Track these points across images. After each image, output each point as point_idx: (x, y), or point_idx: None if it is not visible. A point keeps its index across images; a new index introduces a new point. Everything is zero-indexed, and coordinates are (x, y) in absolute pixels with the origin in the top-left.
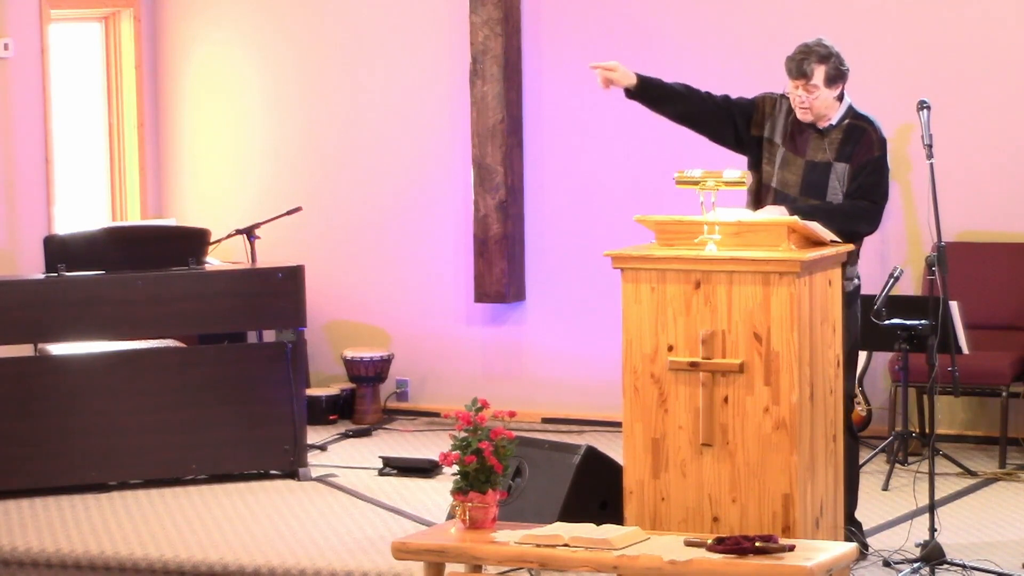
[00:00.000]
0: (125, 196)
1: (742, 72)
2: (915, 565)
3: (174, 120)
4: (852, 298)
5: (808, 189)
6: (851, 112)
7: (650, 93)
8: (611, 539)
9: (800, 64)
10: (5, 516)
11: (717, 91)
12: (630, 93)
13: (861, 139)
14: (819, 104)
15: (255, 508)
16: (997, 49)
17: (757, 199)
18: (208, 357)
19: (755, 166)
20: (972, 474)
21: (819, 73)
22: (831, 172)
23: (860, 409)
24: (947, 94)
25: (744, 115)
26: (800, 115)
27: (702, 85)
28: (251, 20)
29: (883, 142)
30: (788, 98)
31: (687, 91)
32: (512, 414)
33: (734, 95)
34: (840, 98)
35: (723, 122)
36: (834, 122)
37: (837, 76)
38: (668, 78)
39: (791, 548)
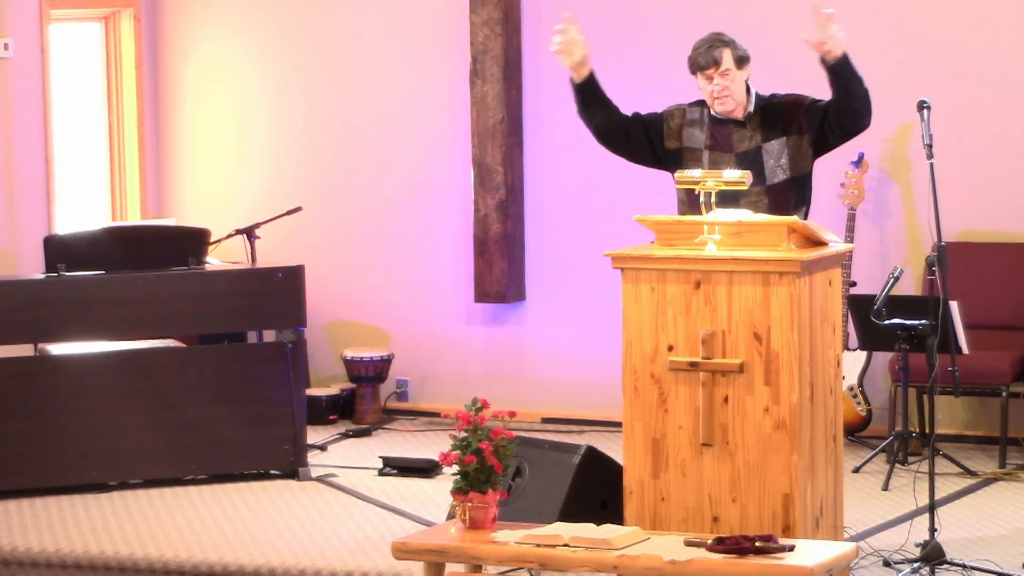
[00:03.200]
0: (125, 196)
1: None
2: (915, 565)
3: (174, 120)
4: None
5: None
6: (760, 98)
7: (591, 92)
8: (611, 539)
9: (709, 52)
10: (5, 516)
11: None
12: (574, 83)
13: (782, 107)
14: (736, 88)
15: (255, 508)
16: (997, 49)
17: (689, 208)
18: (208, 357)
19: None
20: (972, 474)
21: (727, 57)
22: (763, 154)
23: (860, 409)
24: (947, 94)
25: (656, 130)
26: (719, 106)
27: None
28: (251, 20)
29: (801, 95)
30: (700, 104)
31: (616, 109)
32: (512, 414)
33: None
34: (748, 86)
35: (643, 138)
36: (751, 110)
37: (744, 58)
38: (669, 77)
39: (791, 548)
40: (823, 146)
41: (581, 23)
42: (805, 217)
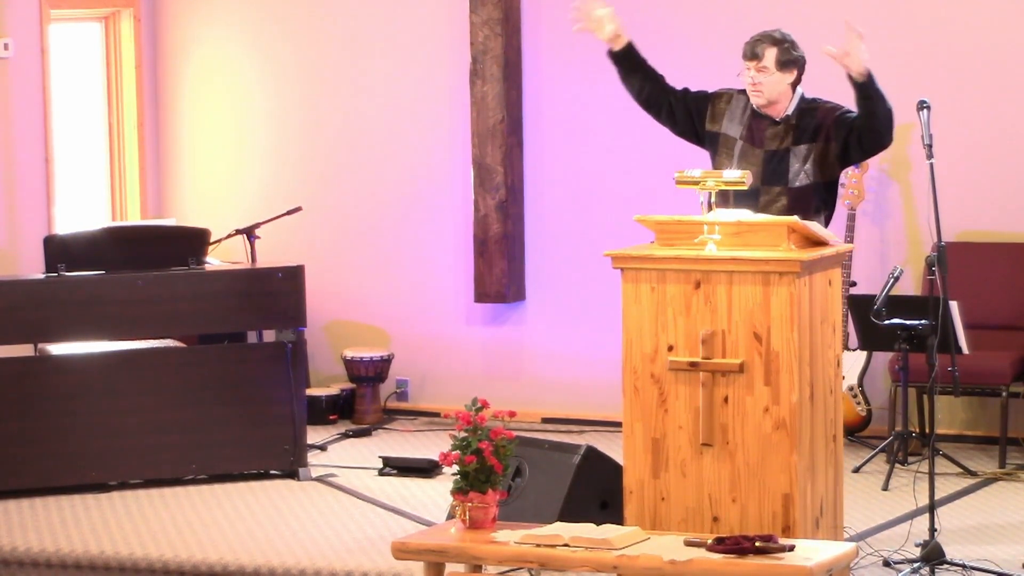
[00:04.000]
0: (125, 196)
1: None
2: (915, 565)
3: (174, 120)
4: None
5: (769, 178)
6: (802, 101)
7: (631, 61)
8: (611, 539)
9: (753, 46)
10: (5, 516)
11: (719, 87)
12: (614, 53)
13: (815, 114)
14: (769, 86)
15: (255, 508)
16: (997, 49)
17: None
18: (208, 357)
19: (713, 163)
20: (972, 474)
21: (770, 55)
22: (790, 156)
23: (860, 409)
24: (947, 94)
25: (699, 110)
26: (753, 97)
27: (705, 83)
28: (251, 20)
29: (836, 104)
30: (746, 92)
31: (661, 78)
32: (512, 414)
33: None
34: (794, 89)
35: (685, 114)
36: (790, 112)
37: (789, 61)
38: (670, 75)
39: (791, 548)
40: (846, 159)
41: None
42: (827, 223)
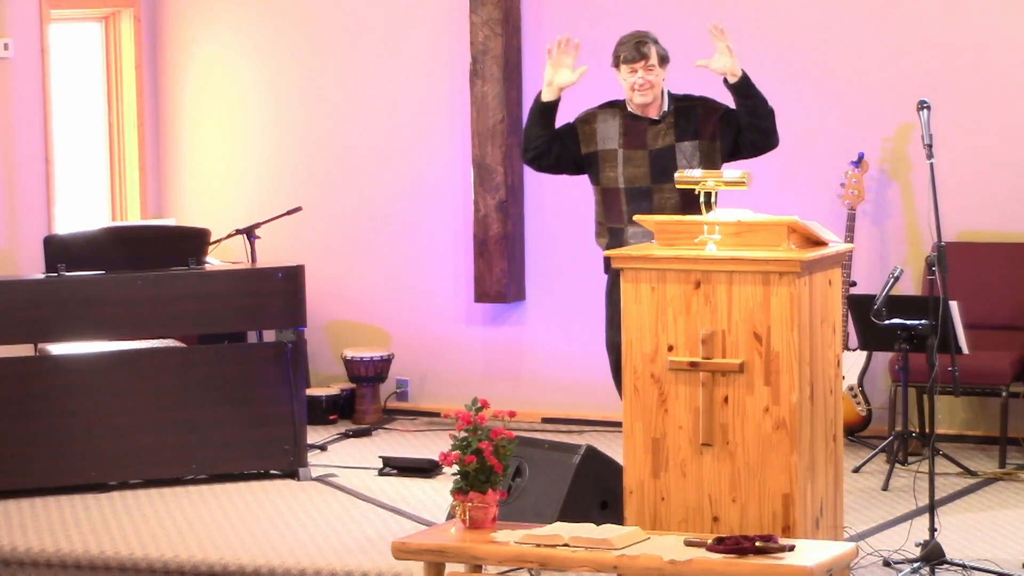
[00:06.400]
0: (125, 196)
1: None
2: (915, 565)
3: (174, 120)
4: None
5: (658, 176)
6: (674, 97)
7: (553, 112)
8: (611, 539)
9: (638, 47)
10: (5, 516)
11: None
12: (548, 102)
13: (695, 111)
14: (658, 83)
15: (255, 508)
16: (997, 49)
17: (605, 207)
18: (208, 357)
19: (596, 180)
20: (972, 474)
21: (653, 53)
22: (676, 153)
23: (860, 409)
24: (947, 94)
25: (572, 139)
26: (639, 97)
27: (701, 87)
28: (251, 20)
29: (716, 102)
30: (611, 105)
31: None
32: (512, 414)
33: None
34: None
35: (561, 153)
36: (666, 109)
37: (665, 58)
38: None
39: (791, 548)
40: (734, 156)
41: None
42: None
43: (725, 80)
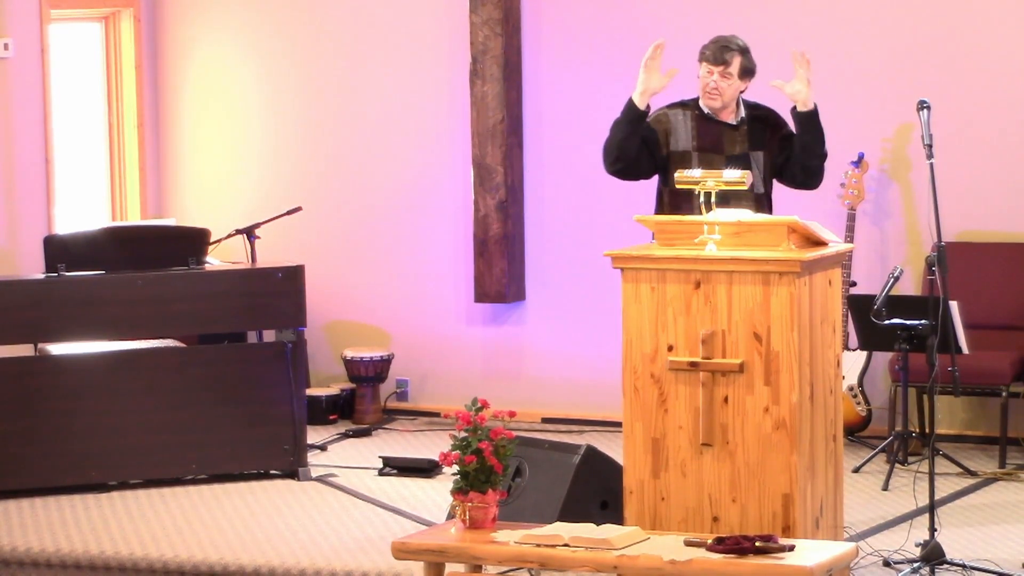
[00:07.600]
0: (125, 196)
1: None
2: (915, 565)
3: (174, 120)
4: None
5: None
6: (749, 105)
7: (644, 120)
8: (611, 539)
9: (721, 52)
10: (5, 516)
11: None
12: (640, 110)
13: (766, 127)
14: (729, 92)
15: (255, 508)
16: (997, 49)
17: (673, 210)
18: (208, 357)
19: (666, 181)
20: (972, 474)
21: (736, 63)
22: (751, 163)
23: (860, 409)
24: (947, 94)
25: (654, 143)
26: (707, 100)
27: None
28: (251, 20)
29: (782, 118)
30: (680, 105)
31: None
32: (512, 414)
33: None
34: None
35: (646, 159)
36: (743, 116)
37: (749, 71)
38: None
39: (791, 548)
40: (777, 178)
41: (581, 28)
42: None
43: (794, 108)
